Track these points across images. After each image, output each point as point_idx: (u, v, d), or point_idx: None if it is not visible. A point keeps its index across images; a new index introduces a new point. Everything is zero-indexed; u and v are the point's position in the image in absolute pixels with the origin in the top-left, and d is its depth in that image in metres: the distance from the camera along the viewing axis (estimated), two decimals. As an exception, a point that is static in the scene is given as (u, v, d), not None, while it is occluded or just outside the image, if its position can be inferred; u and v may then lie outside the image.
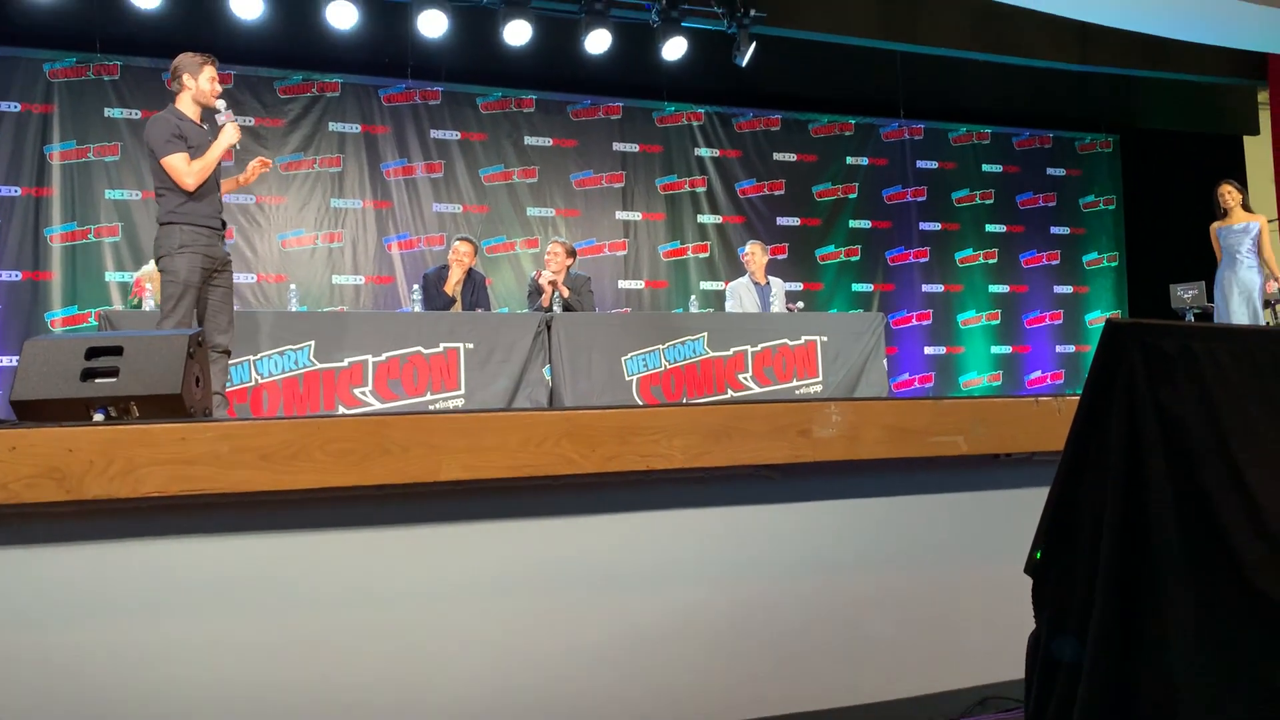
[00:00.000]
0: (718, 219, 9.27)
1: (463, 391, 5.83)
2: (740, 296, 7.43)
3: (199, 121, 4.53)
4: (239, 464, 1.74)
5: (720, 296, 8.50)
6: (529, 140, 8.71)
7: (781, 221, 9.43)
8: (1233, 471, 1.38)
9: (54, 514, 1.73)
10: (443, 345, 5.84)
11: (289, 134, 8.03)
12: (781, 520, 2.22)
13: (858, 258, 9.63)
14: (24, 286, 7.23)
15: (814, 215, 9.55)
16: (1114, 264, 10.50)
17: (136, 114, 7.35)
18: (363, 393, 5.64)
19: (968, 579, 2.34)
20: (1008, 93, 9.65)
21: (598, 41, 7.90)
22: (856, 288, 9.60)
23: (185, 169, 4.32)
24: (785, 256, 9.27)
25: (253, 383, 5.46)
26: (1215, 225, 7.34)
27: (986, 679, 2.25)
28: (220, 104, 4.51)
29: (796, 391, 6.60)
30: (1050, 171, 10.39)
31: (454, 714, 1.93)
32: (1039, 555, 1.48)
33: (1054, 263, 10.27)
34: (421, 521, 1.96)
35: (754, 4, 8.04)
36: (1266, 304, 7.11)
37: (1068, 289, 10.28)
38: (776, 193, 9.45)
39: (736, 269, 8.42)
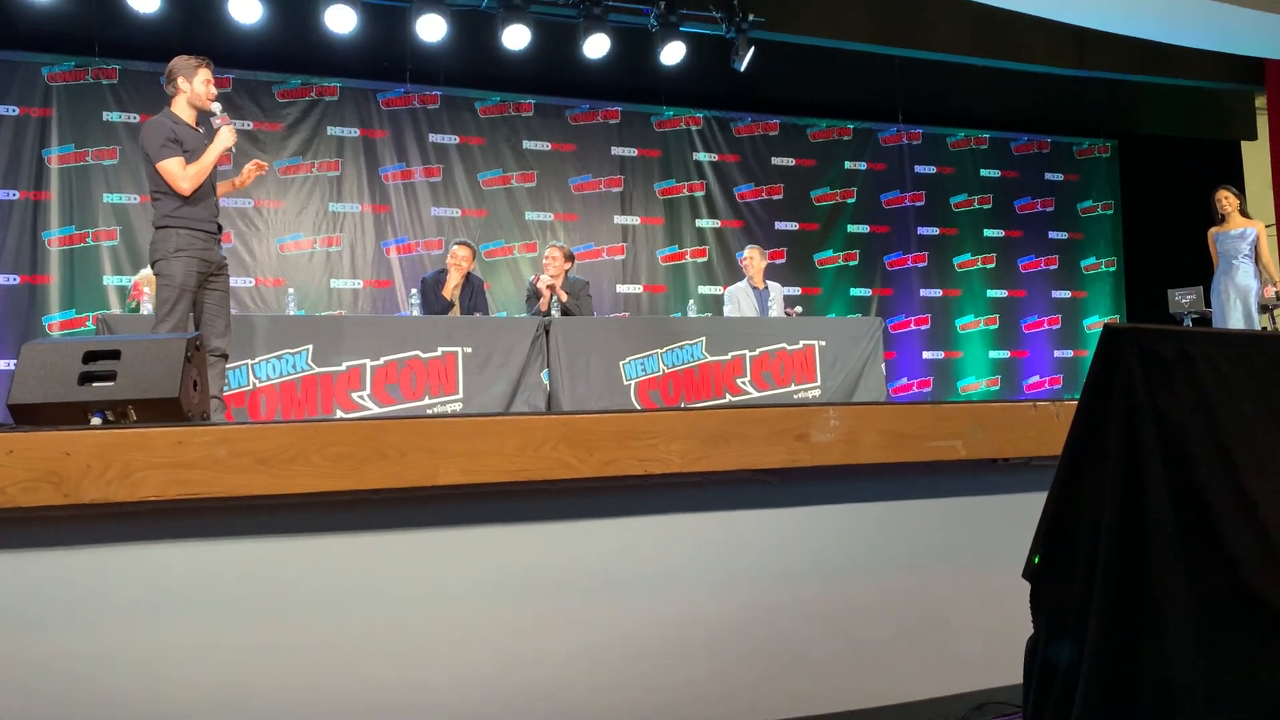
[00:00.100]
0: (716, 223, 9.28)
1: (461, 396, 5.83)
2: (738, 301, 7.44)
3: (195, 125, 4.52)
4: (236, 468, 1.73)
5: (718, 301, 8.51)
6: (527, 144, 8.72)
7: (780, 226, 9.44)
8: (1230, 475, 1.38)
9: (51, 518, 1.72)
10: (441, 349, 5.84)
11: (287, 138, 8.03)
12: (779, 525, 2.21)
13: (856, 262, 9.64)
14: (22, 290, 7.23)
15: (812, 220, 9.56)
16: (1112, 269, 10.51)
17: (135, 118, 7.36)
18: (360, 397, 5.64)
19: (965, 583, 2.34)
20: (1006, 98, 9.66)
21: (596, 46, 7.91)
22: (855, 292, 9.60)
23: (180, 173, 4.32)
24: (784, 261, 9.28)
25: (250, 387, 5.46)
26: (1213, 230, 7.36)
27: (984, 684, 2.25)
28: (215, 107, 4.51)
29: (795, 396, 6.60)
30: (1048, 176, 10.41)
31: (452, 717, 1.93)
32: (1037, 560, 1.48)
33: (1052, 268, 10.28)
34: (419, 526, 1.96)
35: (752, 9, 8.05)
36: (1264, 309, 7.12)
37: (1066, 294, 10.30)
38: (775, 197, 9.46)
39: (735, 273, 8.43)
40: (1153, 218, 10.03)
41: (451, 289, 6.54)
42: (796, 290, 9.07)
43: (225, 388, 4.88)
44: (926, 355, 9.70)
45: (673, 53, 8.12)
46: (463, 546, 1.98)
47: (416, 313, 6.41)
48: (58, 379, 2.53)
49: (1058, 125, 10.29)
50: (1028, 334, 10.09)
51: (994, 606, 2.15)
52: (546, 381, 6.07)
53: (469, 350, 5.88)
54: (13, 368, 2.67)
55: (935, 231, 9.93)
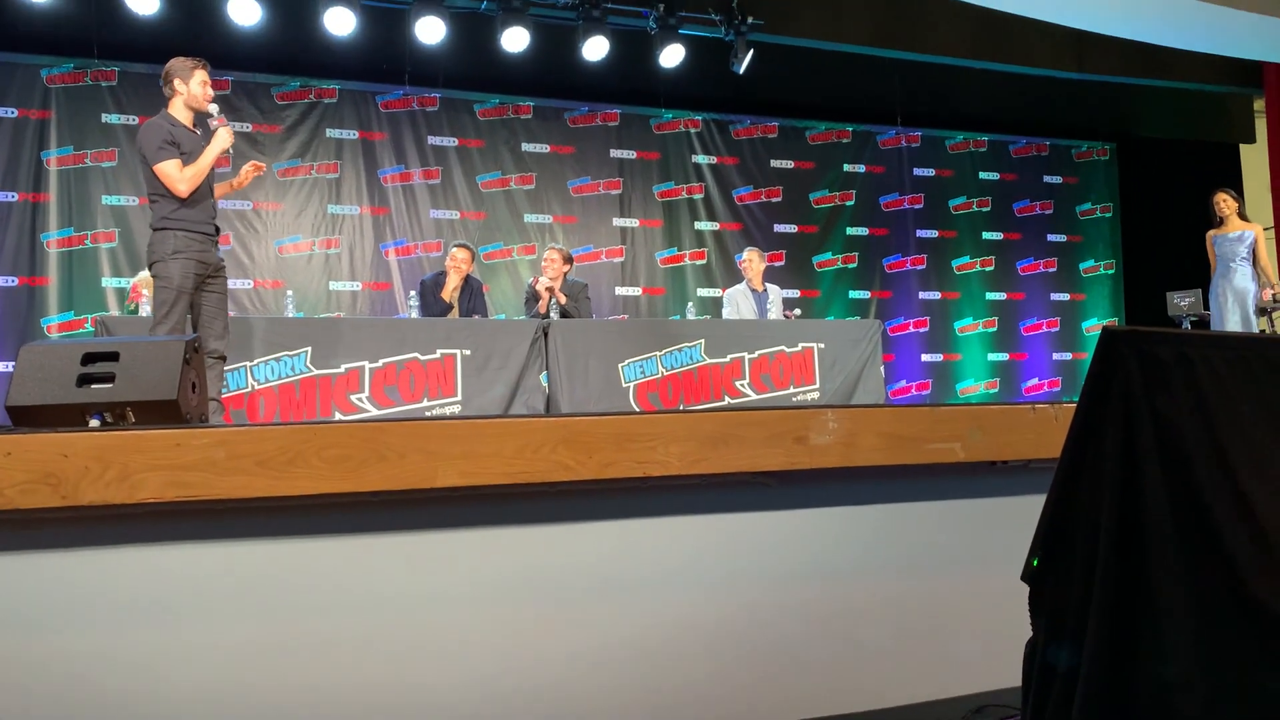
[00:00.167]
0: (715, 226, 9.28)
1: (460, 398, 5.83)
2: (737, 303, 7.44)
3: (192, 127, 4.52)
4: (235, 470, 1.73)
5: (717, 303, 8.51)
6: (526, 147, 8.73)
7: (779, 228, 9.45)
8: (1229, 478, 1.38)
9: (49, 520, 1.72)
10: (440, 352, 5.84)
11: (286, 140, 8.04)
12: (778, 527, 2.21)
13: (855, 265, 9.64)
14: (20, 292, 7.23)
15: (811, 222, 9.56)
16: (1110, 272, 10.52)
17: (134, 120, 7.36)
18: (359, 399, 5.64)
19: (964, 586, 2.34)
20: (1005, 101, 9.67)
21: (595, 48, 7.91)
22: (854, 295, 9.61)
23: (178, 175, 4.32)
24: (783, 263, 9.29)
25: (249, 389, 5.46)
26: (1211, 233, 7.37)
27: (983, 686, 2.25)
28: (213, 108, 4.50)
29: (793, 399, 6.60)
30: (1047, 179, 10.42)
31: (451, 719, 1.93)
32: (1035, 562, 1.48)
33: (1051, 270, 10.29)
34: (418, 528, 1.95)
35: (751, 11, 8.05)
36: (1262, 311, 7.12)
37: (1065, 296, 10.30)
38: (774, 200, 9.47)
39: (734, 276, 8.43)
40: (1151, 220, 10.05)
41: (450, 291, 6.54)
42: (795, 293, 9.08)
43: (224, 390, 4.88)
44: (925, 358, 9.70)
45: (672, 55, 8.12)
46: (461, 548, 1.98)
47: (415, 315, 6.41)
48: (56, 381, 2.53)
49: (1057, 128, 10.30)
50: (1026, 336, 10.10)
51: (993, 609, 2.15)
52: (545, 384, 6.07)
53: (468, 352, 5.88)
54: (11, 369, 2.67)
55: (934, 234, 9.94)
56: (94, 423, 2.47)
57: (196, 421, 2.68)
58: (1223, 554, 1.35)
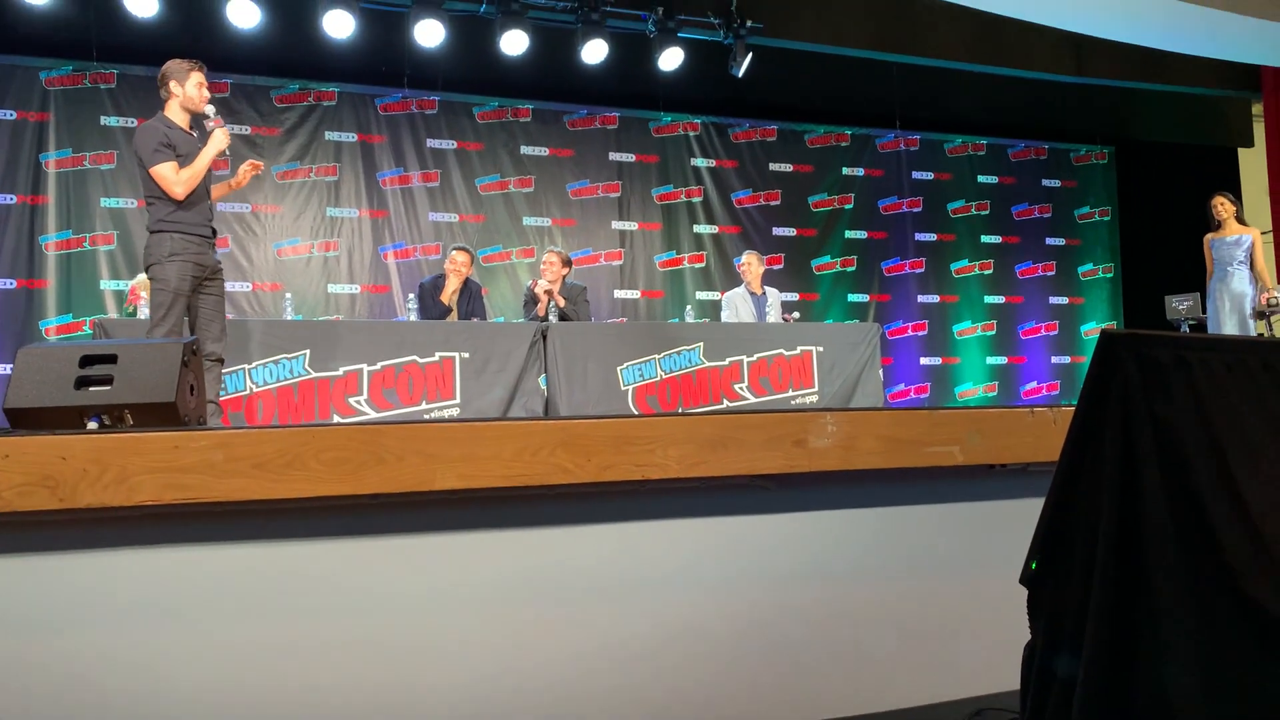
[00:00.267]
0: (714, 229, 9.29)
1: (458, 401, 5.83)
2: (736, 306, 7.44)
3: (189, 129, 4.51)
4: (233, 473, 1.73)
5: (716, 306, 8.51)
6: (525, 150, 8.73)
7: (777, 232, 9.45)
8: (1227, 481, 1.38)
9: (47, 522, 1.72)
10: (438, 354, 5.84)
11: (285, 143, 8.04)
12: (777, 530, 2.21)
13: (853, 268, 9.65)
14: (19, 294, 7.23)
15: (810, 226, 9.57)
16: (1109, 275, 10.53)
17: (133, 122, 7.36)
18: (358, 402, 5.64)
19: (963, 589, 2.33)
20: (1003, 104, 9.69)
21: (594, 51, 7.91)
22: (852, 298, 9.61)
23: (174, 178, 4.31)
24: (781, 267, 9.29)
25: (247, 391, 5.46)
26: (1209, 236, 7.39)
27: (982, 689, 2.25)
28: (209, 110, 4.49)
29: (792, 401, 6.60)
30: (1046, 183, 10.43)
31: (448, 724, 1.93)
32: (1034, 565, 1.48)
33: (1049, 274, 10.30)
34: (416, 531, 1.95)
35: (750, 15, 8.06)
36: (1260, 315, 7.13)
37: (1063, 300, 10.31)
38: (772, 203, 9.47)
39: (732, 279, 8.44)
40: (1150, 224, 10.05)
41: (449, 294, 6.54)
42: (794, 296, 9.07)
43: (222, 392, 4.87)
44: (924, 361, 9.71)
45: (671, 58, 8.13)
46: (460, 551, 1.98)
47: (414, 318, 6.41)
48: (54, 383, 2.53)
49: (1055, 131, 10.31)
50: (1025, 340, 10.11)
51: (992, 612, 2.15)
52: (544, 386, 6.06)
53: (466, 355, 5.88)
54: (9, 372, 2.67)
55: (933, 237, 9.95)
56: (92, 425, 2.46)
57: (195, 424, 2.68)
58: (1221, 556, 1.35)
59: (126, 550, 1.79)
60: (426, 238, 8.37)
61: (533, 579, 2.02)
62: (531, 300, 6.83)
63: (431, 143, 8.46)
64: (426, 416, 5.70)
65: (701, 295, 9.07)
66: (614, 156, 9.03)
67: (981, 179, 10.20)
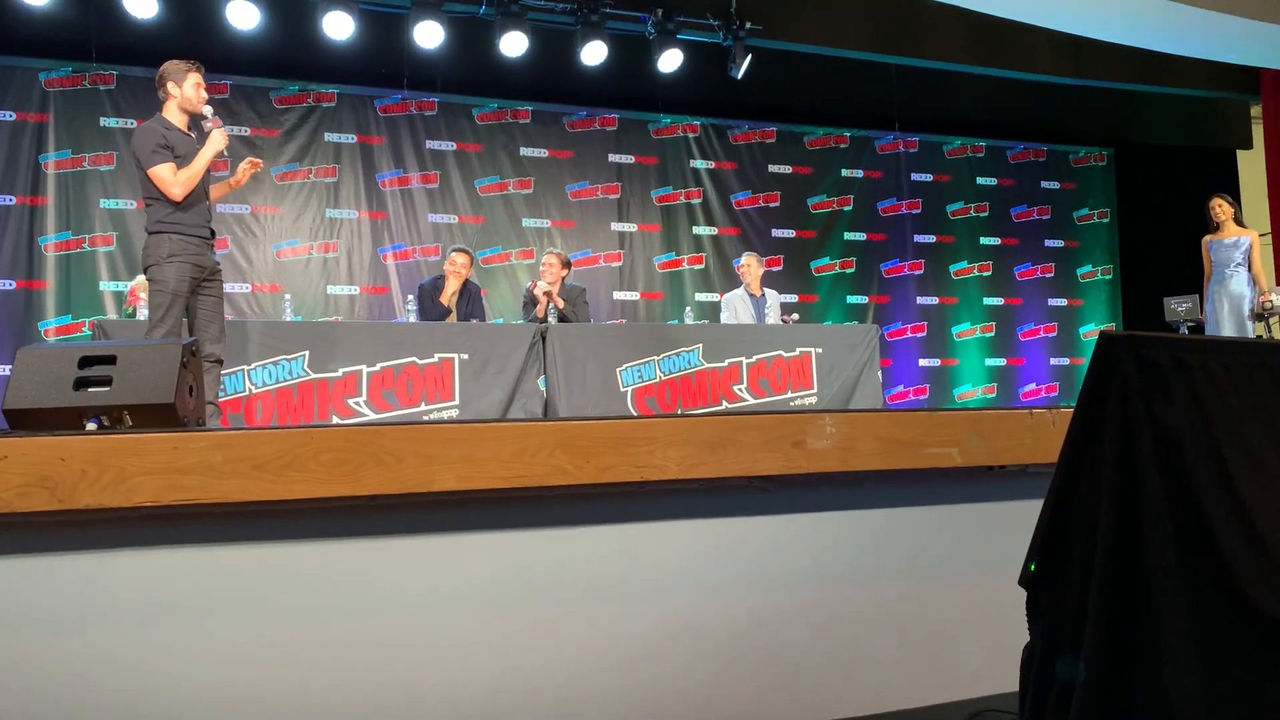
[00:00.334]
0: (713, 230, 9.29)
1: (457, 402, 5.83)
2: (735, 308, 7.45)
3: (187, 130, 4.51)
4: (232, 474, 1.73)
5: (715, 308, 8.52)
6: (524, 151, 8.73)
7: (776, 233, 9.45)
8: (1226, 483, 1.38)
9: (46, 523, 1.72)
10: (437, 356, 5.84)
11: (284, 144, 8.04)
12: (776, 531, 2.21)
13: (853, 270, 9.65)
14: (18, 295, 7.23)
15: (809, 227, 9.57)
16: (1108, 277, 10.54)
17: (132, 123, 7.36)
18: (357, 403, 5.64)
19: (962, 591, 2.33)
20: (1002, 106, 9.69)
21: (593, 53, 7.92)
22: (851, 300, 9.61)
23: (171, 179, 4.31)
24: (780, 268, 9.29)
25: (246, 393, 5.46)
26: (1207, 238, 7.39)
27: (981, 691, 2.25)
28: (207, 110, 4.49)
29: (791, 403, 6.60)
30: (1044, 184, 10.43)
31: (447, 726, 1.93)
32: (1033, 567, 1.48)
33: (1048, 275, 10.30)
34: (415, 532, 1.95)
35: (749, 17, 8.06)
36: (1260, 317, 7.14)
37: (1062, 302, 10.31)
38: (772, 205, 9.48)
39: (732, 280, 8.44)
40: (1149, 226, 10.06)
41: (449, 296, 6.54)
42: (793, 297, 9.08)
43: (221, 393, 4.87)
44: (923, 363, 9.71)
45: (670, 60, 8.13)
46: (459, 552, 1.98)
47: (413, 319, 6.41)
48: (53, 384, 2.52)
49: (1054, 133, 10.32)
50: (1024, 341, 10.11)
51: (990, 613, 2.15)
52: (543, 388, 6.07)
53: (465, 357, 5.88)
54: (8, 373, 2.67)
55: (932, 239, 9.95)
56: (91, 426, 2.46)
57: (194, 425, 2.68)
58: (1220, 558, 1.35)
59: (125, 551, 1.79)
60: (426, 239, 8.37)
61: (532, 580, 2.02)
62: (531, 302, 6.83)
63: (431, 144, 8.46)
64: (426, 418, 5.70)
65: (701, 297, 9.08)
66: (613, 158, 9.03)
67: (980, 181, 10.21)
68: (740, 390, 6.53)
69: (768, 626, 2.17)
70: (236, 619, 1.83)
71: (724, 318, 7.50)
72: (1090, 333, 10.27)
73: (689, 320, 7.51)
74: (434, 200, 8.44)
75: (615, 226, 9.01)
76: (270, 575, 1.86)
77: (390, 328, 6.43)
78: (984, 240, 10.13)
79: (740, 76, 8.17)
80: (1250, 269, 7.18)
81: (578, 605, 2.04)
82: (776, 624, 2.18)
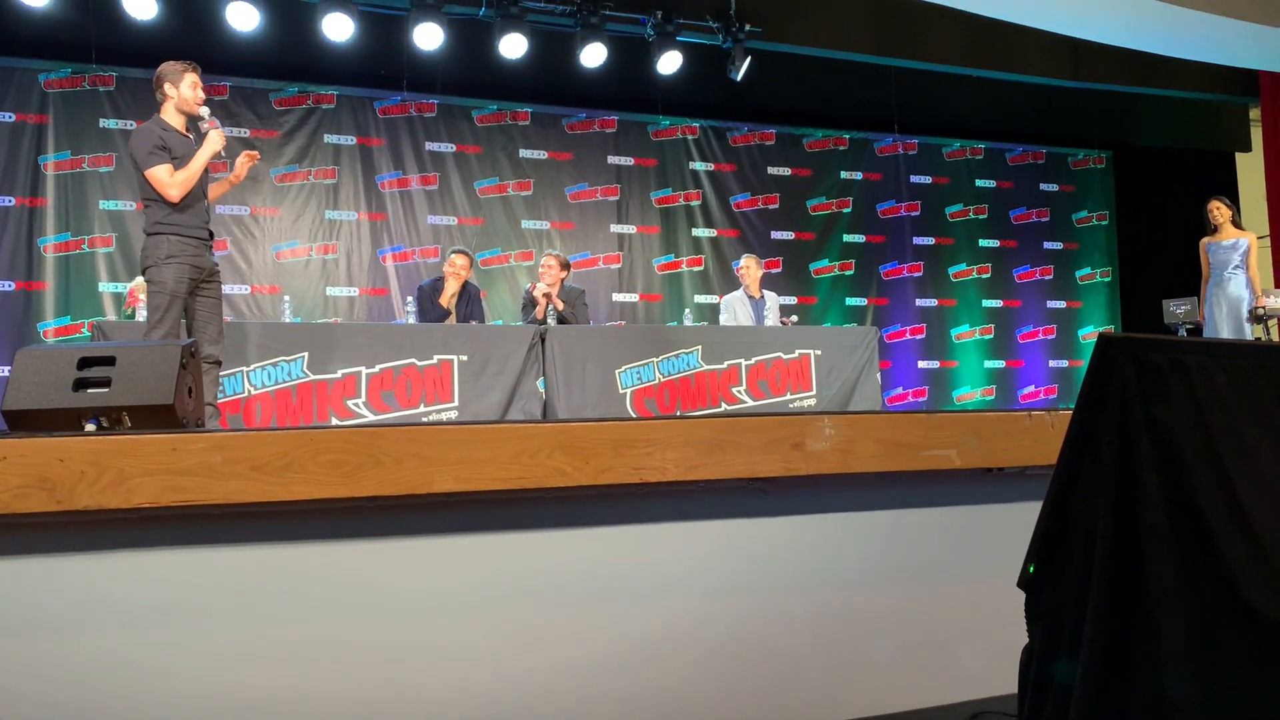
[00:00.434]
0: (712, 232, 9.29)
1: (456, 404, 5.83)
2: (734, 310, 7.45)
3: (184, 131, 4.50)
4: (231, 475, 1.73)
5: (714, 310, 8.52)
6: (524, 153, 8.74)
7: (775, 235, 9.46)
8: (1225, 485, 1.38)
9: (44, 524, 1.72)
10: (436, 357, 5.84)
11: (284, 146, 8.04)
12: (775, 533, 2.21)
13: (851, 272, 9.66)
14: (17, 297, 7.22)
15: (808, 229, 9.58)
16: (1107, 279, 10.54)
17: (131, 125, 7.36)
18: (356, 404, 5.64)
19: (961, 593, 2.34)
20: (1001, 108, 9.70)
21: (593, 55, 7.92)
22: (850, 302, 9.62)
23: (168, 180, 4.30)
24: (779, 270, 9.29)
25: (245, 394, 5.45)
26: (1205, 240, 7.40)
27: (979, 694, 2.25)
28: (204, 111, 4.48)
29: (790, 405, 6.60)
30: (1043, 187, 10.44)
31: (445, 727, 1.93)
32: (1032, 569, 1.48)
33: (1047, 278, 10.31)
34: (414, 533, 1.95)
35: (749, 19, 8.07)
36: (1259, 319, 7.14)
37: (1061, 304, 10.32)
38: (771, 206, 9.48)
39: (731, 282, 8.44)
40: (1147, 228, 10.07)
41: (448, 297, 6.54)
42: (792, 299, 9.08)
43: (220, 394, 4.87)
44: (922, 365, 9.71)
45: (669, 62, 8.14)
46: (458, 554, 1.98)
47: (412, 320, 6.41)
48: (52, 385, 2.52)
49: (1053, 136, 10.33)
50: (1023, 344, 10.11)
51: (990, 615, 2.15)
52: (542, 389, 6.06)
53: (465, 358, 5.88)
54: (7, 374, 2.67)
55: (931, 241, 9.96)
56: (90, 427, 2.46)
57: (193, 426, 2.68)
58: (1219, 561, 1.35)
59: (124, 552, 1.79)
60: (425, 240, 8.37)
61: (531, 582, 2.02)
62: (530, 303, 6.83)
63: (430, 146, 8.46)
64: (425, 419, 5.70)
65: (700, 298, 9.08)
66: (612, 160, 9.04)
67: (979, 183, 10.21)
68: (739, 392, 6.53)
69: (767, 628, 2.17)
70: (235, 620, 1.83)
71: (723, 319, 7.50)
72: (1089, 335, 10.27)
73: (688, 322, 7.51)
74: (433, 202, 8.44)
75: (614, 228, 9.01)
76: (269, 576, 1.86)
77: (389, 329, 6.43)
78: (983, 242, 10.13)
79: (740, 78, 8.18)
80: (1247, 271, 7.19)
81: (576, 607, 2.04)
82: (776, 625, 2.18)
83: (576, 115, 8.92)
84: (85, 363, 2.56)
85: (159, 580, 1.80)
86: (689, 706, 2.09)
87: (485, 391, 5.88)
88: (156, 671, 1.78)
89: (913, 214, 9.93)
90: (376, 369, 5.70)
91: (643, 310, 9.00)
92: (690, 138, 9.30)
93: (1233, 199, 7.73)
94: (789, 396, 6.63)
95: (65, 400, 2.51)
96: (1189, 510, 1.36)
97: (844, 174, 9.75)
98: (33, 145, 7.35)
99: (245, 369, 5.45)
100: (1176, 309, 7.69)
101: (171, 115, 4.47)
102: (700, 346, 6.49)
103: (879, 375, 7.16)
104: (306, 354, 5.57)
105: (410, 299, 6.70)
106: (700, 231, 9.26)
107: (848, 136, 9.78)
